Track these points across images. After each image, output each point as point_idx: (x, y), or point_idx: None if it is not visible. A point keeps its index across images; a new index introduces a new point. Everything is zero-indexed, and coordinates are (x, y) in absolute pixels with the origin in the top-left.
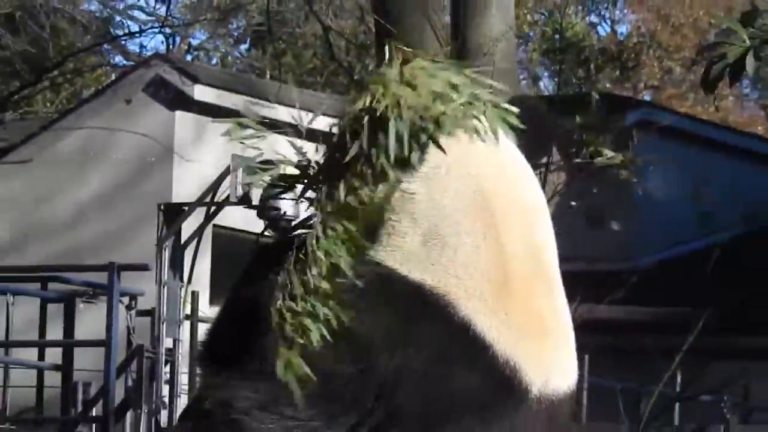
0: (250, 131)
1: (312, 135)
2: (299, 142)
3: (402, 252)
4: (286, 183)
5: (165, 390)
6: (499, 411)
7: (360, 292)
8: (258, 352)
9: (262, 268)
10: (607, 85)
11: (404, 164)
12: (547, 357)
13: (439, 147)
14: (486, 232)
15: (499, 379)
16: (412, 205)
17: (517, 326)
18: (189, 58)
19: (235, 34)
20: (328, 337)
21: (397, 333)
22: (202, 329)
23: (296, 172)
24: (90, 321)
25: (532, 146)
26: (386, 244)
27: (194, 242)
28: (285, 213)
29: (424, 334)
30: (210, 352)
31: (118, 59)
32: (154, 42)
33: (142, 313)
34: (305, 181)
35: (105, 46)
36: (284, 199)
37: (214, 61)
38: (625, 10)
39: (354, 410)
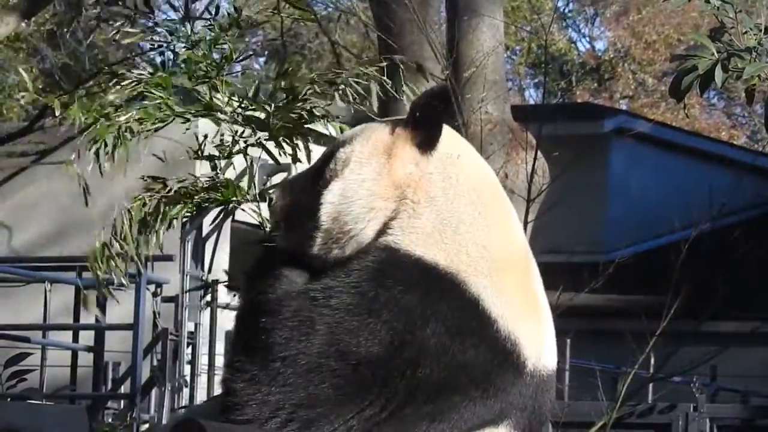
0: None
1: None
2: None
3: (419, 232)
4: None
5: (187, 369)
6: (497, 383)
7: (378, 275)
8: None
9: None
10: (587, 95)
11: (423, 148)
12: (540, 334)
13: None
14: (495, 213)
15: (501, 353)
16: (429, 184)
17: (517, 303)
18: None
19: (253, 48)
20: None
21: (417, 311)
22: (221, 315)
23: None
24: (120, 306)
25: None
26: (405, 225)
27: (214, 236)
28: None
29: (440, 311)
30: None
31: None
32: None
33: (166, 300)
34: None
35: (136, 59)
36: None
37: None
38: (603, 28)
39: (383, 395)
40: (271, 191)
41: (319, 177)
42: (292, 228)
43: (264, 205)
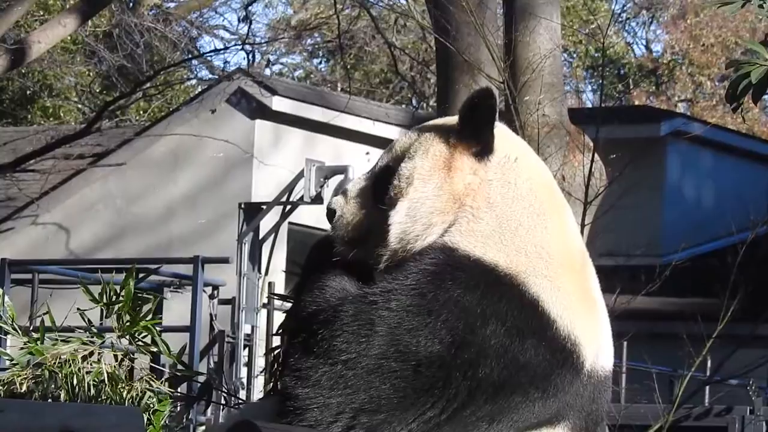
0: None
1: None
2: (366, 148)
3: (478, 235)
4: None
5: (243, 371)
6: (556, 383)
7: (437, 276)
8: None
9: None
10: (644, 98)
11: (480, 156)
12: (597, 335)
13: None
14: (553, 215)
15: (560, 353)
16: (489, 190)
17: (575, 304)
18: (268, 72)
19: (310, 50)
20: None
21: (477, 312)
22: (278, 317)
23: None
24: (176, 308)
25: None
26: (465, 229)
27: (271, 238)
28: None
29: (500, 312)
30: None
31: (204, 73)
32: (237, 58)
33: (223, 302)
34: None
35: (193, 61)
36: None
37: (295, 73)
38: (660, 31)
39: (444, 396)
40: (332, 203)
41: (381, 192)
42: (361, 249)
43: (321, 207)
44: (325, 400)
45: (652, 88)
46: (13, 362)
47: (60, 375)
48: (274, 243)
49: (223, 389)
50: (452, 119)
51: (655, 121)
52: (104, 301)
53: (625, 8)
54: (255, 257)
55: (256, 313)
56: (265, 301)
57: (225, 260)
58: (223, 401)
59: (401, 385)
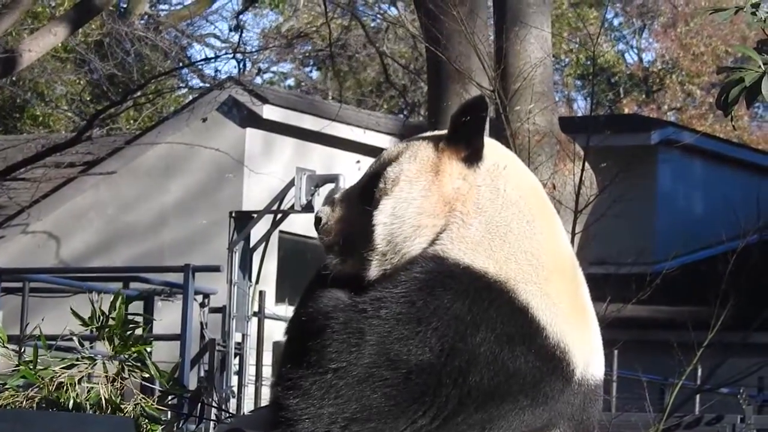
0: None
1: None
2: (357, 157)
3: (468, 242)
4: None
5: (234, 380)
6: (546, 391)
7: (427, 284)
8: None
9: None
10: (635, 107)
11: (469, 162)
12: (588, 343)
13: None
14: (542, 222)
15: (550, 360)
16: (478, 195)
17: (566, 311)
18: (259, 81)
19: (300, 58)
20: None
21: (467, 319)
22: (269, 325)
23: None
24: (167, 317)
25: None
26: (455, 235)
27: (262, 246)
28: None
29: (490, 319)
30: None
31: (195, 82)
32: (228, 66)
33: (214, 310)
34: None
35: (183, 70)
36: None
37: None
38: (651, 40)
39: (435, 404)
40: (318, 211)
41: (367, 196)
42: (348, 254)
43: (312, 216)
44: (317, 411)
45: (642, 96)
46: (5, 386)
47: (59, 402)
48: (264, 251)
49: (213, 403)
50: (440, 132)
51: (646, 129)
52: (95, 324)
53: (616, 15)
54: (246, 266)
55: (247, 322)
56: (256, 309)
57: (216, 269)
58: (213, 416)
59: (392, 393)
